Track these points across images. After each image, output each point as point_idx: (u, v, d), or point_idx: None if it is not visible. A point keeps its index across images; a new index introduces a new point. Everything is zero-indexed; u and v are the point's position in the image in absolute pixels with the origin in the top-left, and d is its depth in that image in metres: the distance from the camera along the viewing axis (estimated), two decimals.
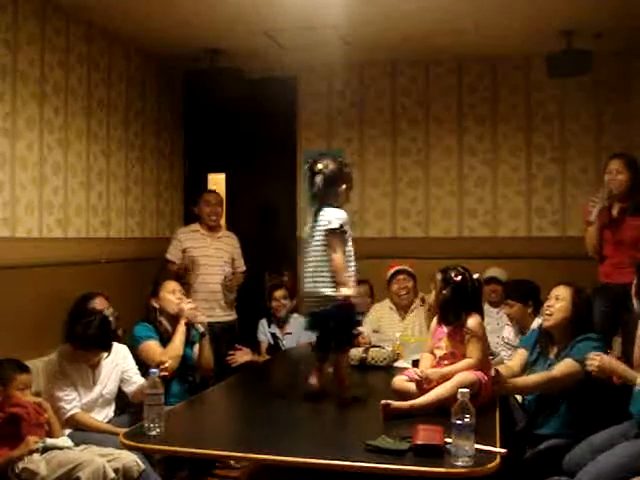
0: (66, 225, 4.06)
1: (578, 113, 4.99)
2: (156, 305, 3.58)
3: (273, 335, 4.43)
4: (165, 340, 3.47)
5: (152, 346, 3.40)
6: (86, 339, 3.02)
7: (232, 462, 3.56)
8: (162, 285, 3.63)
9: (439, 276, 2.65)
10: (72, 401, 3.00)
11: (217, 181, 5.61)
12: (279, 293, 4.43)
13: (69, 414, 2.98)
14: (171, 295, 3.58)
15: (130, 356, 3.34)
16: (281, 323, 4.44)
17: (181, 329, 3.48)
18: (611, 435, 2.61)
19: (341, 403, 2.60)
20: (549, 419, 2.84)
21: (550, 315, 2.94)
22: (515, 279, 4.03)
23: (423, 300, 4.16)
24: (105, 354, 3.15)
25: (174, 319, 3.54)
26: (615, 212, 3.68)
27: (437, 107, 5.21)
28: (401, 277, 4.30)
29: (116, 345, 3.25)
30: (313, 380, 2.65)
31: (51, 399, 2.97)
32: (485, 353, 2.61)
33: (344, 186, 2.69)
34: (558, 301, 2.94)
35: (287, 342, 4.35)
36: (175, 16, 4.13)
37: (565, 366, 2.76)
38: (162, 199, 5.23)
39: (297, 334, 4.25)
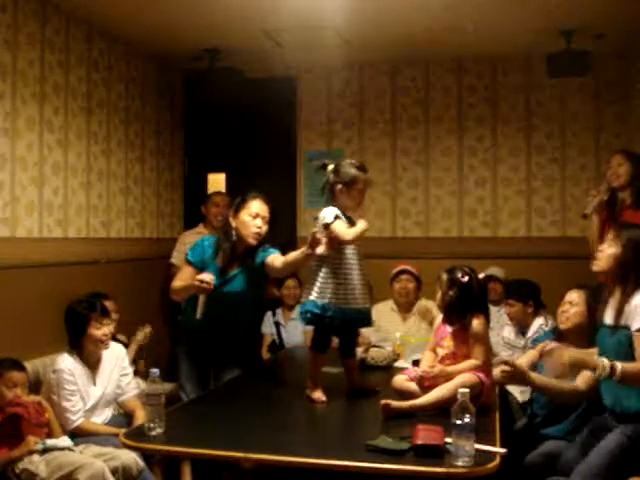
0: (66, 225, 4.05)
1: (578, 113, 5.00)
2: (233, 223, 3.12)
3: (276, 324, 4.49)
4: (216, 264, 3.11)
5: (182, 272, 3.15)
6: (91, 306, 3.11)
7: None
8: (245, 204, 3.12)
9: (445, 276, 2.62)
10: (78, 412, 3.00)
11: (217, 181, 5.60)
12: (291, 282, 4.57)
13: (74, 425, 2.98)
14: (250, 218, 3.08)
15: (127, 358, 3.34)
16: (288, 310, 4.58)
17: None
18: (592, 429, 2.58)
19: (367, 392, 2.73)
20: (560, 421, 2.82)
21: (567, 319, 2.94)
22: (516, 279, 4.03)
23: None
24: (104, 351, 3.15)
25: (240, 247, 3.12)
26: (618, 203, 3.67)
27: (437, 107, 5.21)
28: (404, 277, 4.30)
29: (114, 344, 3.26)
30: (316, 395, 2.65)
31: (57, 409, 2.97)
32: (488, 354, 2.61)
33: (339, 186, 2.68)
34: (572, 306, 2.93)
35: (290, 328, 4.44)
36: (175, 16, 4.13)
37: (588, 379, 2.66)
38: (162, 199, 5.23)
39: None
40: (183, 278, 3.13)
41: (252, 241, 3.07)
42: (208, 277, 2.94)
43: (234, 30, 4.40)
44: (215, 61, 4.81)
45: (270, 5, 3.91)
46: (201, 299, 3.02)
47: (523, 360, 3.10)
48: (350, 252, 2.67)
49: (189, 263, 3.16)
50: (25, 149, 3.70)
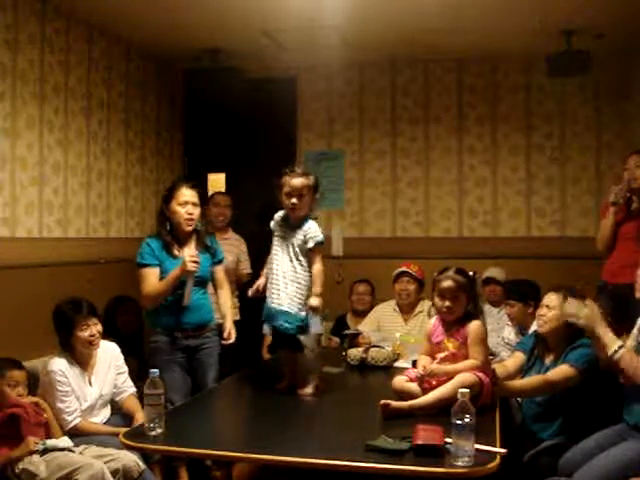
0: (66, 225, 4.06)
1: (578, 113, 5.00)
2: (166, 214, 3.27)
3: None
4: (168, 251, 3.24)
5: (148, 276, 3.23)
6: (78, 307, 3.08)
7: (208, 462, 3.30)
8: (173, 194, 3.26)
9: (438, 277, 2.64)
10: (73, 412, 2.98)
11: (217, 181, 5.60)
12: None
13: (71, 425, 2.97)
14: (180, 207, 3.23)
15: (122, 356, 3.31)
16: None
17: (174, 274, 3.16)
18: (606, 436, 2.61)
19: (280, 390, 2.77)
20: (548, 425, 2.85)
21: (545, 323, 2.94)
22: (516, 279, 4.02)
23: None
24: (98, 351, 3.14)
25: (181, 233, 3.28)
26: (635, 206, 3.63)
27: (437, 107, 5.21)
28: (404, 279, 4.29)
29: (108, 343, 3.23)
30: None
31: (52, 411, 2.95)
32: (487, 354, 2.61)
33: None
34: (550, 309, 2.92)
35: None
36: (175, 16, 4.13)
37: (560, 370, 2.76)
38: None
39: None
40: (153, 281, 3.22)
41: (187, 227, 3.26)
42: (192, 252, 3.16)
43: (234, 30, 4.40)
44: (215, 61, 4.81)
45: (270, 5, 3.91)
46: (189, 284, 3.17)
47: (509, 362, 3.09)
48: (277, 249, 2.78)
49: (146, 266, 3.24)
50: (25, 149, 3.70)
